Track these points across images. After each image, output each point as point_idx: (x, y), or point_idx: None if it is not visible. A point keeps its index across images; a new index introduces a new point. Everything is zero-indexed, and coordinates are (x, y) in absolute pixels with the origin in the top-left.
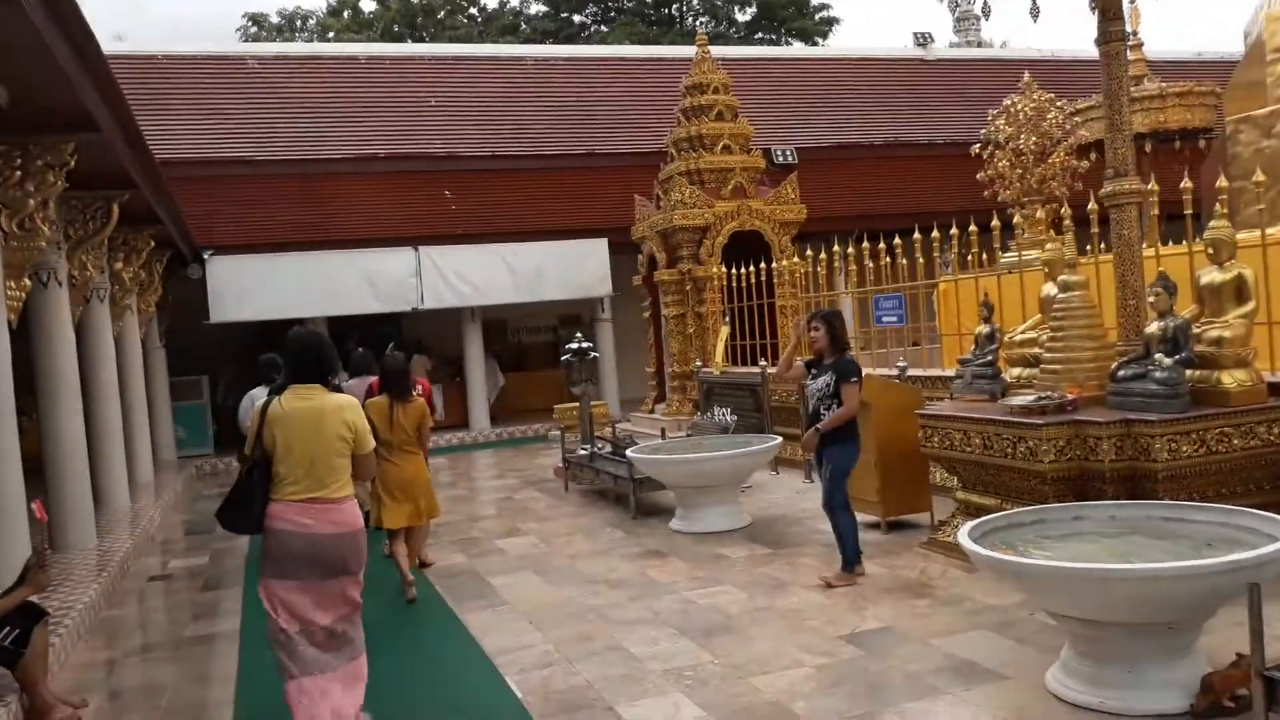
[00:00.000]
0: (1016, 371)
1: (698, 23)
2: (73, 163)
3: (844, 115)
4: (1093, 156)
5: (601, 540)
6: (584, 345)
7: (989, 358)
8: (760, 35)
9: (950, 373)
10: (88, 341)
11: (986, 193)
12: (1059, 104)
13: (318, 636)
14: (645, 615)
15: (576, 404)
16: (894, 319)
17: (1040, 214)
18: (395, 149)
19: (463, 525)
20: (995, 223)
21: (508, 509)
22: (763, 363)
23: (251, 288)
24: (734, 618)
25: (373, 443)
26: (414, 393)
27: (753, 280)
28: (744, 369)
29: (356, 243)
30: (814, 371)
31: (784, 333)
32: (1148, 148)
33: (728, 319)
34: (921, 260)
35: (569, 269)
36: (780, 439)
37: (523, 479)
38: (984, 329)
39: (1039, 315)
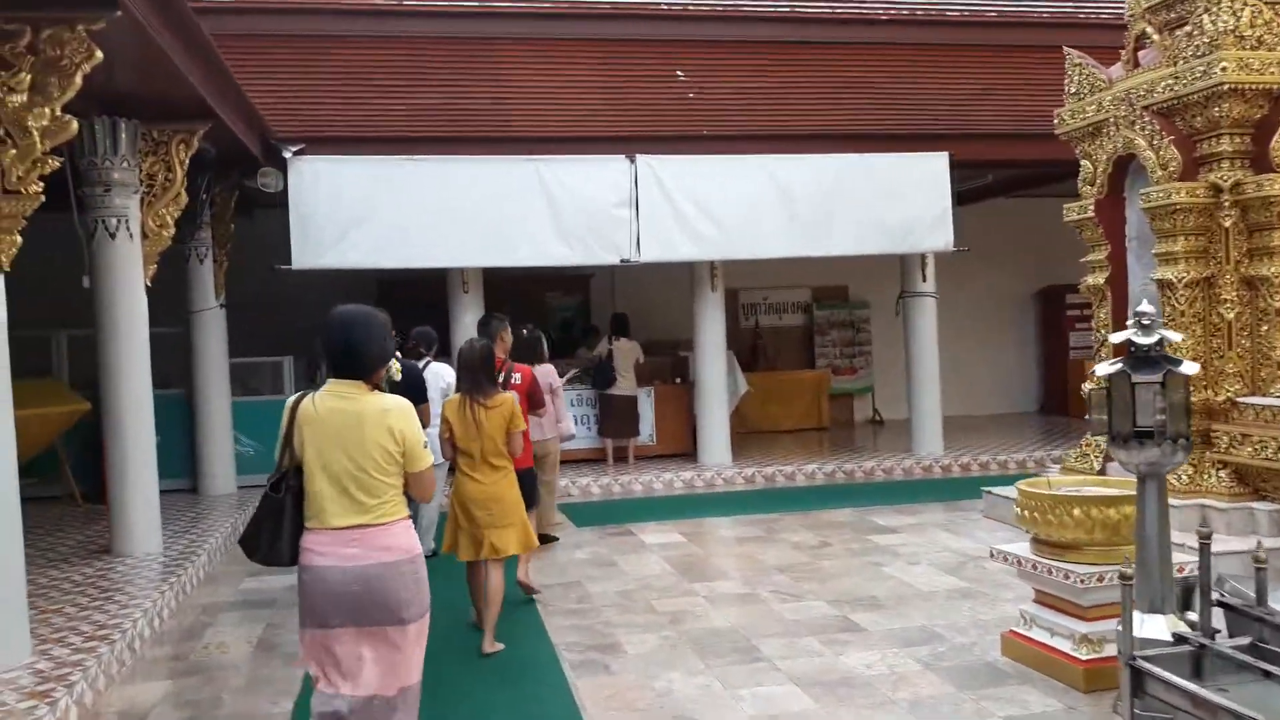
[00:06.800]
0: None
1: None
2: None
3: None
4: None
5: None
6: (1145, 311)
7: None
8: None
9: None
10: None
11: None
12: None
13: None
14: None
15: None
16: None
17: None
18: (596, 4)
19: None
20: None
21: None
22: None
23: (361, 210)
24: None
25: (429, 459)
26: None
27: None
28: None
29: (534, 143)
30: None
31: None
32: None
33: None
34: None
35: (881, 202)
36: None
37: (949, 658)
38: None
39: None
